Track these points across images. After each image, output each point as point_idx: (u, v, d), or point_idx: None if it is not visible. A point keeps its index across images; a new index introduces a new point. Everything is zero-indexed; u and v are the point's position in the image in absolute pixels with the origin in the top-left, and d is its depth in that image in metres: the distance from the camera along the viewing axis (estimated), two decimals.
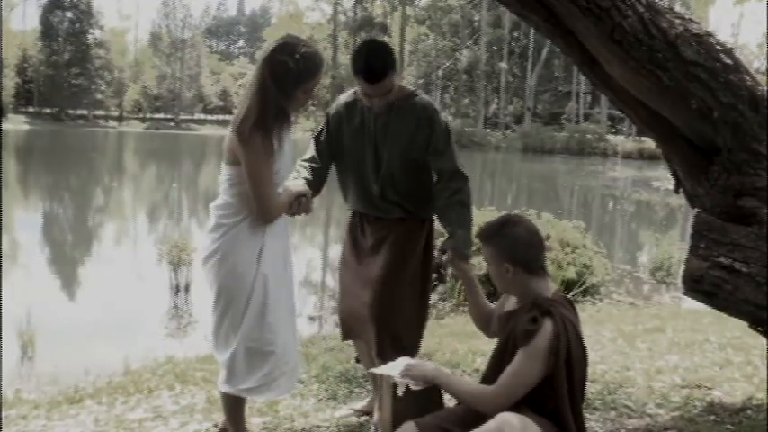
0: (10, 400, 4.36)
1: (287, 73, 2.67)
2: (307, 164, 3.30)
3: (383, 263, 3.19)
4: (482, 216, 7.02)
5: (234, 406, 3.05)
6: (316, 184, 3.22)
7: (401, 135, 3.16)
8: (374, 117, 3.18)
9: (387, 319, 3.12)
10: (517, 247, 2.47)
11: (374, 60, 2.97)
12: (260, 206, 2.82)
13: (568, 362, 2.34)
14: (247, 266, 2.88)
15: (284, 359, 2.98)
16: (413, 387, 2.62)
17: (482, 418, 2.27)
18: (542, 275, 2.50)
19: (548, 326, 2.33)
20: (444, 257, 3.01)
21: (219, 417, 3.52)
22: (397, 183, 3.21)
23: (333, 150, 3.32)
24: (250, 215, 2.89)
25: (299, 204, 2.98)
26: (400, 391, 2.70)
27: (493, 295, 2.80)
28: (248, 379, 2.94)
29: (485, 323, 2.77)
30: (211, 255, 2.92)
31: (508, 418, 2.21)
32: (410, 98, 3.19)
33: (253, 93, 2.72)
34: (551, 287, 2.51)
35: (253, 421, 3.36)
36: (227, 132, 2.89)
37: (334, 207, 17.04)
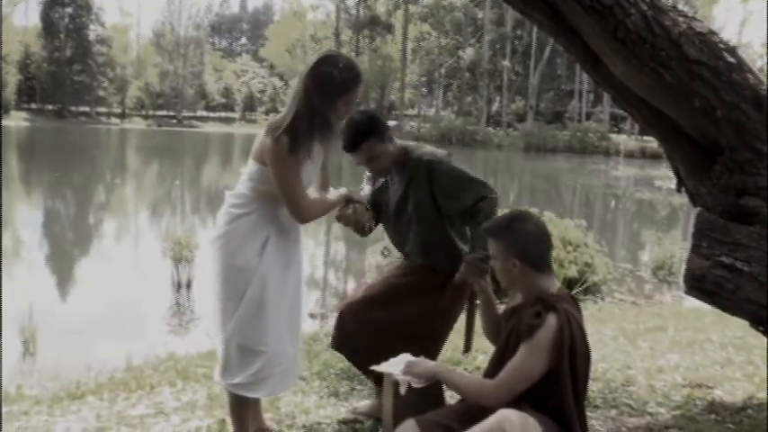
0: (11, 395, 4.36)
1: (331, 82, 2.76)
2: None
3: (404, 310, 3.20)
4: None
5: (236, 402, 3.06)
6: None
7: (404, 197, 3.20)
8: (390, 179, 3.28)
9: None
10: (526, 243, 2.46)
11: (349, 131, 3.06)
12: (291, 207, 2.87)
13: (572, 357, 2.34)
14: (247, 261, 2.89)
15: (276, 360, 2.95)
16: (414, 385, 2.62)
17: (482, 414, 2.27)
18: (548, 272, 2.50)
19: (551, 321, 2.33)
20: (458, 274, 2.99)
21: (221, 413, 3.53)
22: (410, 240, 3.25)
23: (375, 197, 3.39)
24: (259, 210, 2.91)
25: (354, 211, 3.06)
26: (402, 389, 2.70)
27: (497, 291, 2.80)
28: (239, 374, 2.94)
29: (495, 334, 2.75)
30: (215, 240, 2.95)
31: (508, 414, 2.21)
32: (406, 159, 3.19)
33: (295, 102, 2.80)
34: (556, 284, 2.51)
35: (266, 416, 3.36)
36: (260, 133, 2.94)
37: None
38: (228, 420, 3.31)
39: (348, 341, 3.29)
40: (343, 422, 3.41)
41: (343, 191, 3.11)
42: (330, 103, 2.79)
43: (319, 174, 3.08)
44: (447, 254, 3.16)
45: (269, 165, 2.83)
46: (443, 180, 3.11)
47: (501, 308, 2.78)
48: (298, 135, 2.78)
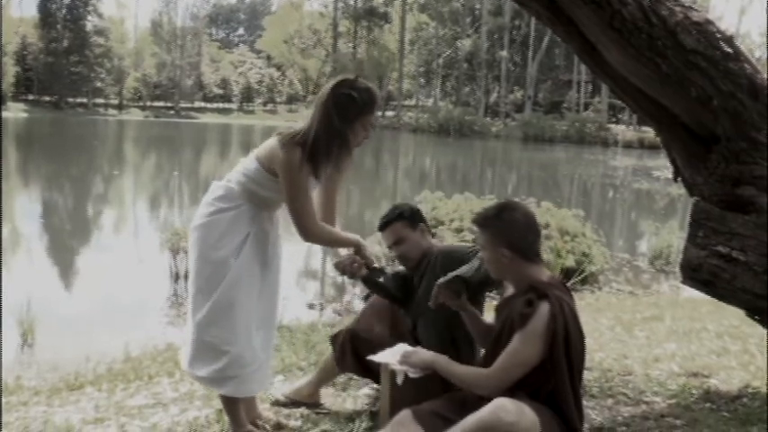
0: (10, 386, 4.38)
1: (350, 103, 2.80)
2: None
3: None
4: (482, 204, 7.03)
5: (228, 403, 3.07)
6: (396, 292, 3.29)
7: (425, 291, 3.15)
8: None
9: None
10: (514, 232, 2.48)
11: (387, 213, 3.29)
12: (299, 221, 2.86)
13: (566, 344, 2.36)
14: (224, 257, 2.86)
15: (241, 362, 2.91)
16: (411, 375, 2.63)
17: (478, 404, 2.28)
18: (538, 261, 2.51)
19: (544, 308, 2.35)
20: (432, 298, 2.92)
21: (219, 403, 3.54)
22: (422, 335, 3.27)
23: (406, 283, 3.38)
24: (243, 207, 2.90)
25: (352, 262, 3.05)
26: (399, 380, 2.72)
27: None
28: (203, 368, 2.93)
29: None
30: (195, 229, 2.94)
31: (504, 402, 2.23)
32: (430, 254, 3.25)
33: (314, 121, 2.81)
34: (546, 273, 2.52)
35: (264, 406, 3.38)
36: (271, 141, 2.92)
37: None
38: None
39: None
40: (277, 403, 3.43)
41: (357, 238, 3.07)
42: (350, 124, 2.82)
43: (326, 199, 3.07)
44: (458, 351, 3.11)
45: (281, 176, 2.82)
46: (450, 265, 3.03)
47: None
48: (315, 154, 2.80)
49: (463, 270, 2.88)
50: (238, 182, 2.93)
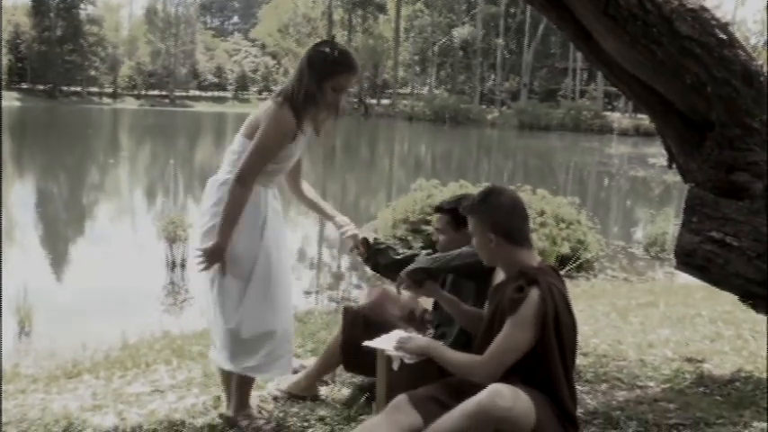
0: (8, 374, 4.39)
1: (322, 61, 2.84)
2: None
3: None
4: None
5: (242, 381, 3.09)
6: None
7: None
8: None
9: None
10: (500, 217, 2.49)
11: (449, 199, 3.32)
12: (242, 170, 2.82)
13: (557, 329, 2.38)
14: (248, 245, 2.90)
15: (286, 338, 3.02)
16: (407, 360, 2.65)
17: (474, 389, 2.30)
18: (527, 246, 2.52)
19: (534, 294, 2.36)
20: (395, 287, 3.00)
21: (216, 390, 3.56)
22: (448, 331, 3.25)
23: None
24: (253, 193, 2.89)
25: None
26: (395, 365, 2.74)
27: None
28: (251, 358, 2.96)
29: (475, 325, 2.76)
30: (210, 230, 2.92)
31: (499, 388, 2.25)
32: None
33: (293, 76, 2.89)
34: (536, 258, 2.53)
35: (260, 393, 3.40)
36: (259, 107, 2.96)
37: (330, 183, 17.04)
38: (223, 397, 3.35)
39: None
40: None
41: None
42: (318, 82, 2.83)
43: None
44: None
45: (262, 123, 2.83)
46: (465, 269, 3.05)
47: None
48: (293, 109, 2.83)
49: (421, 260, 2.97)
50: (236, 168, 2.90)
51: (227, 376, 3.17)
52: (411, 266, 2.96)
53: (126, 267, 8.72)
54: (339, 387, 3.55)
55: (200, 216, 3.03)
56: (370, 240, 3.31)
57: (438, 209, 3.32)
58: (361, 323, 3.25)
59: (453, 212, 3.20)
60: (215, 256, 2.88)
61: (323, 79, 2.83)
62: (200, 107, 61.38)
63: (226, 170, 2.98)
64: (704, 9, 3.06)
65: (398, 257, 3.25)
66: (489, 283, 2.81)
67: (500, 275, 2.62)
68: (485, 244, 2.52)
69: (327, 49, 2.86)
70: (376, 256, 3.29)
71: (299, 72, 2.87)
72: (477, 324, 2.69)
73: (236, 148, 2.96)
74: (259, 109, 2.96)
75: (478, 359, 2.42)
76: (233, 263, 2.91)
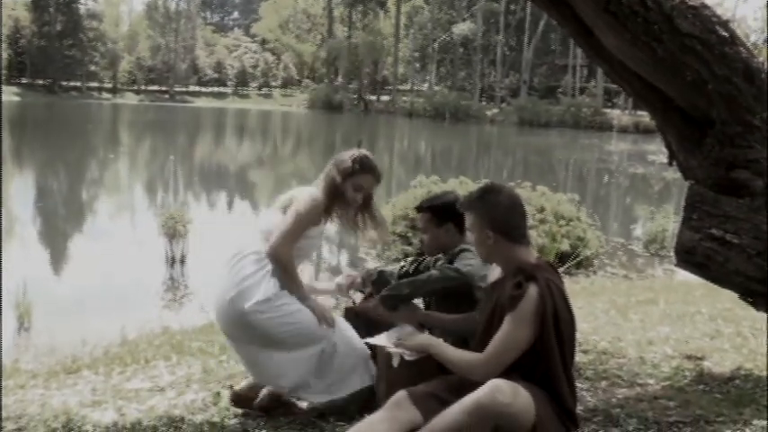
0: (8, 370, 4.39)
1: (344, 165, 3.24)
2: None
3: None
4: None
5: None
6: None
7: None
8: None
9: None
10: (498, 214, 2.49)
11: (428, 198, 3.49)
12: (278, 242, 3.08)
13: (556, 325, 2.37)
14: (306, 313, 3.08)
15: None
16: (407, 357, 2.65)
17: (474, 385, 2.30)
18: (525, 243, 2.52)
19: (532, 290, 2.36)
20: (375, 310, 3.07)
21: (216, 386, 3.57)
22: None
23: None
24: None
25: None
26: (395, 362, 2.74)
27: None
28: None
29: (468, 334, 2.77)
30: (251, 313, 2.98)
31: (499, 383, 2.25)
32: (448, 253, 3.27)
33: (322, 179, 3.28)
34: (534, 255, 2.53)
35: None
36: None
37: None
38: (223, 393, 3.36)
39: None
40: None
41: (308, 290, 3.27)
42: (342, 181, 3.21)
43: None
44: None
45: (296, 205, 3.13)
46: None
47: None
48: (326, 203, 3.20)
49: (394, 287, 3.05)
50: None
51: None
52: (383, 292, 3.04)
53: (125, 263, 8.71)
54: None
55: (242, 292, 3.04)
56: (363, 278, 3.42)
57: (418, 208, 3.36)
58: (362, 321, 3.26)
59: (433, 210, 3.26)
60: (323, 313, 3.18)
61: (345, 180, 3.21)
62: (200, 103, 61.33)
63: (256, 246, 3.13)
64: (705, 6, 3.05)
65: (393, 282, 3.33)
66: (470, 298, 2.91)
67: (496, 272, 2.62)
68: (483, 241, 2.51)
69: (350, 156, 3.25)
70: (377, 287, 3.34)
71: (328, 170, 3.26)
72: (471, 326, 2.69)
73: (270, 223, 3.20)
74: (295, 190, 3.29)
75: (478, 357, 2.42)
76: (300, 324, 3.07)
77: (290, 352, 3.05)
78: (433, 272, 3.05)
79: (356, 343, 3.16)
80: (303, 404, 3.26)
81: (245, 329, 3.03)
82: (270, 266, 3.07)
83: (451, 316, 2.95)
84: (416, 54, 64.07)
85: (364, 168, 3.26)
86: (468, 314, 2.88)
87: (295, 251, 3.15)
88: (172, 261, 8.51)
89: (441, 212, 3.25)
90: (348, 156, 3.28)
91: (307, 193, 3.21)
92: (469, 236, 2.65)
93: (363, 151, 3.33)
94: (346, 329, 3.18)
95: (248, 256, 3.10)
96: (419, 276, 3.08)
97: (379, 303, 3.03)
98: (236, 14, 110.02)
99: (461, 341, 2.88)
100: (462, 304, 2.97)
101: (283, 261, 3.10)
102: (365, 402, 3.06)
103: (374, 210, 3.36)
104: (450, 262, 3.12)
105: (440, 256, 3.29)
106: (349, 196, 3.23)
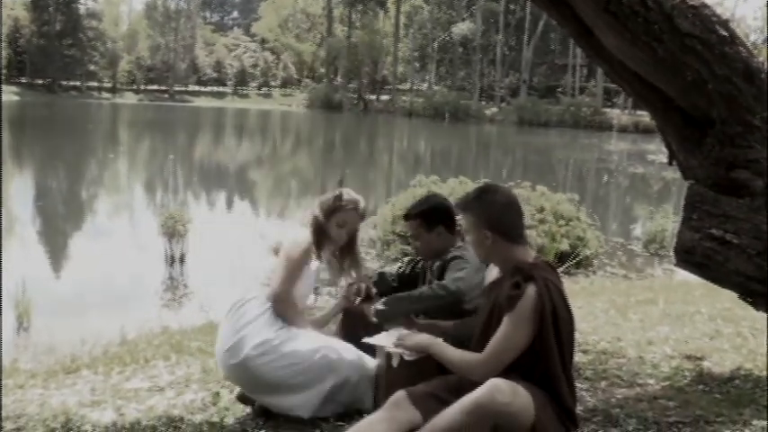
0: (7, 369, 4.39)
1: (328, 205, 3.33)
2: None
3: None
4: None
5: None
6: None
7: None
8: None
9: None
10: (495, 214, 2.48)
11: (414, 204, 3.46)
12: (278, 288, 3.11)
13: (555, 324, 2.37)
14: (312, 337, 3.13)
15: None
16: (406, 357, 2.65)
17: (474, 384, 2.30)
18: (522, 243, 2.51)
19: (530, 290, 2.36)
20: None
21: (215, 386, 3.56)
22: None
23: None
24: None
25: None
26: (395, 362, 2.74)
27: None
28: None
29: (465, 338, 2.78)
30: (259, 346, 3.00)
31: (498, 383, 2.24)
32: (443, 258, 3.28)
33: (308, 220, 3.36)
34: (532, 254, 2.53)
35: None
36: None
37: (329, 179, 17.04)
38: (222, 393, 3.36)
39: None
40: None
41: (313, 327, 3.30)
42: (326, 220, 3.28)
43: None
44: None
45: (283, 251, 3.16)
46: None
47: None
48: (315, 243, 3.26)
49: (386, 301, 3.08)
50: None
51: None
52: (377, 306, 3.06)
53: (125, 262, 8.71)
54: None
55: (255, 335, 3.05)
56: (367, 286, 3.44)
57: (406, 216, 3.37)
58: (361, 321, 3.26)
59: (423, 215, 3.26)
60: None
61: (329, 218, 3.28)
62: (200, 102, 61.31)
63: (266, 289, 3.16)
64: (705, 6, 3.05)
65: (395, 284, 3.44)
66: (459, 308, 2.93)
67: (494, 272, 2.61)
68: (480, 241, 2.51)
69: (334, 195, 3.33)
70: (378, 289, 3.41)
71: (315, 214, 3.32)
72: (469, 330, 2.69)
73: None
74: (283, 236, 3.32)
75: (477, 357, 2.42)
76: (315, 357, 3.09)
77: (298, 394, 3.04)
78: (424, 290, 3.07)
79: (367, 368, 3.15)
80: None
81: (248, 379, 3.05)
82: (271, 309, 3.10)
83: (448, 322, 2.96)
84: (416, 54, 64.07)
85: (346, 205, 3.32)
86: (466, 319, 2.89)
87: (295, 291, 3.18)
88: (171, 260, 8.51)
89: (431, 217, 3.25)
90: (331, 194, 3.38)
91: (292, 237, 3.25)
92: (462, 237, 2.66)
93: (346, 189, 3.41)
94: (357, 358, 3.15)
95: (250, 301, 3.12)
96: (411, 293, 3.09)
97: (374, 312, 3.07)
98: (235, 14, 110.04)
99: (459, 345, 2.89)
100: (452, 315, 3.00)
101: (284, 304, 3.12)
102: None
103: (356, 252, 3.44)
104: (443, 270, 3.12)
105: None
106: (333, 234, 3.29)
